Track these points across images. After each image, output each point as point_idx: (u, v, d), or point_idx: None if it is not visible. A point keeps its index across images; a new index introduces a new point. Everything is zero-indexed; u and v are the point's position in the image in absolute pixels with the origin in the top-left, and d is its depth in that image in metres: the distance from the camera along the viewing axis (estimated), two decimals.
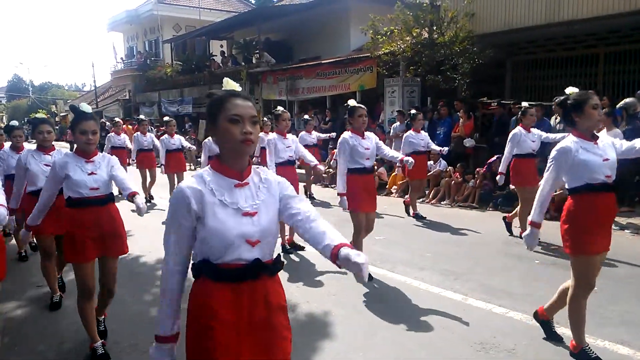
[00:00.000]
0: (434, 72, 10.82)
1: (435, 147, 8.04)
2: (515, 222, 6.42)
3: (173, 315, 1.83)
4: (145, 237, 6.41)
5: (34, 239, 5.23)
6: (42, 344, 3.71)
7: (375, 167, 9.67)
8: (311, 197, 9.78)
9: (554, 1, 8.99)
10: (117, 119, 11.72)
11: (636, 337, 3.46)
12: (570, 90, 3.18)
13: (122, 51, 30.05)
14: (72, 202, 3.29)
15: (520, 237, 5.77)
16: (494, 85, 11.00)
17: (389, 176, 10.46)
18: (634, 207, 7.31)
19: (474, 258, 5.60)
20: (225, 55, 21.10)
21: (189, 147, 9.97)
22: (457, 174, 9.15)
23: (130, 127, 17.30)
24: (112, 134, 10.17)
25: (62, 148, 4.66)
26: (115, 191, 3.55)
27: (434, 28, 11.10)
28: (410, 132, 7.76)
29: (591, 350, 3.12)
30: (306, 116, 11.07)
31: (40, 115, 4.60)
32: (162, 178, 9.65)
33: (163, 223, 2.29)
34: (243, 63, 18.70)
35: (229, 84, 1.86)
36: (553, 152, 3.09)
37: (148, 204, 9.18)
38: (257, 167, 1.90)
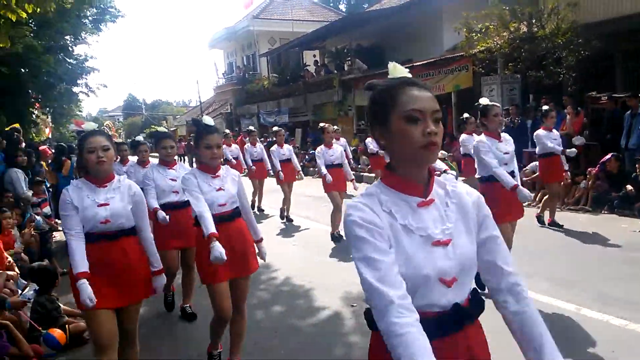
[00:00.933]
0: (536, 67, 10.29)
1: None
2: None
3: None
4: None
5: None
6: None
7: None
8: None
9: None
10: (251, 128, 11.40)
11: None
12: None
13: (222, 67, 31.87)
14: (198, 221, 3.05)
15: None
16: (603, 78, 10.21)
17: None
18: None
19: (588, 264, 5.28)
20: (318, 64, 21.59)
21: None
22: (567, 174, 8.56)
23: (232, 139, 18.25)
24: (224, 145, 10.53)
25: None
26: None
27: (533, 21, 10.62)
28: (541, 130, 6.93)
29: None
30: None
31: (162, 128, 4.69)
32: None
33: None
34: (335, 71, 19.05)
35: (397, 70, 1.40)
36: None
37: (258, 213, 9.64)
38: (440, 174, 1.52)
